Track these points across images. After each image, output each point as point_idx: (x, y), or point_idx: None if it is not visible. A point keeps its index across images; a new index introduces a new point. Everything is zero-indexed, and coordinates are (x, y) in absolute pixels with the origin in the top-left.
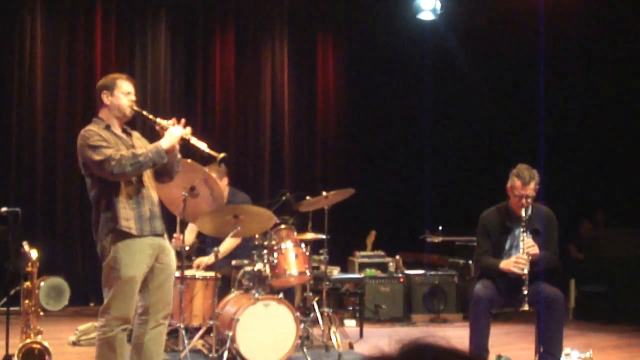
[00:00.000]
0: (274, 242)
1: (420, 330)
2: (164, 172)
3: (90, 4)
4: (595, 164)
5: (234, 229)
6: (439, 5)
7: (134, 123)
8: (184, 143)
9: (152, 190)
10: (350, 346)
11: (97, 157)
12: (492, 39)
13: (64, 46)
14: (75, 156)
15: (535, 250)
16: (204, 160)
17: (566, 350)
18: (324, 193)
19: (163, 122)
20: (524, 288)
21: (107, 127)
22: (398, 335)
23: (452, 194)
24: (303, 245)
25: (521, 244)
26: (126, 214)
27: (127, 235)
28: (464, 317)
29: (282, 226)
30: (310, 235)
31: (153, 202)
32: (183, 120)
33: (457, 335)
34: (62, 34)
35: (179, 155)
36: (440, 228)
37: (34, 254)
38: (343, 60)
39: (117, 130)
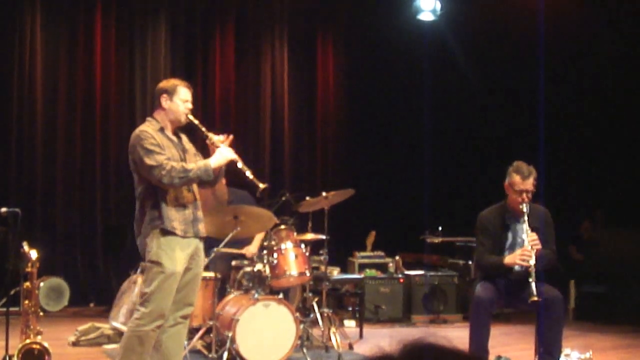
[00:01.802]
0: (273, 243)
1: (421, 331)
2: (207, 183)
3: (90, 4)
4: (595, 164)
5: (234, 229)
6: (439, 6)
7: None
8: (230, 164)
9: (196, 194)
10: (350, 347)
11: (149, 162)
12: (492, 40)
13: (64, 46)
14: (76, 156)
15: (539, 245)
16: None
17: (566, 350)
18: (324, 193)
19: (214, 137)
20: (530, 280)
21: (161, 130)
22: (399, 336)
23: (452, 195)
24: (303, 245)
25: (525, 237)
26: (172, 216)
27: (172, 234)
28: (464, 318)
29: (282, 227)
30: (310, 236)
31: (196, 206)
32: (231, 137)
33: (457, 335)
34: (62, 33)
35: (223, 169)
36: (440, 228)
37: (33, 254)
38: (343, 60)
39: (170, 133)
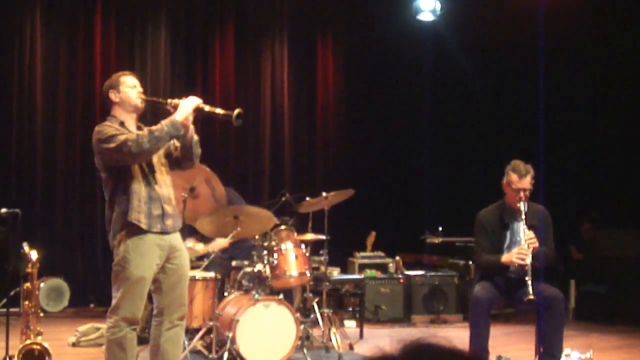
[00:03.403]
0: (274, 243)
1: (421, 331)
2: (184, 157)
3: (90, 4)
4: (595, 164)
5: (233, 229)
6: (438, 6)
7: (144, 118)
8: (200, 115)
9: (165, 189)
10: (350, 347)
11: (113, 145)
12: (491, 40)
13: (64, 46)
14: (75, 157)
15: (536, 243)
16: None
17: (566, 350)
18: (324, 194)
19: (175, 100)
20: (527, 278)
21: (122, 124)
22: (399, 336)
23: (452, 195)
24: (303, 246)
25: (522, 235)
26: (139, 208)
27: (137, 231)
28: (464, 318)
29: (282, 227)
30: (310, 236)
31: (166, 201)
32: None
33: (457, 336)
34: (62, 34)
35: (195, 137)
36: (440, 229)
37: (33, 255)
38: (343, 61)
39: (132, 127)
